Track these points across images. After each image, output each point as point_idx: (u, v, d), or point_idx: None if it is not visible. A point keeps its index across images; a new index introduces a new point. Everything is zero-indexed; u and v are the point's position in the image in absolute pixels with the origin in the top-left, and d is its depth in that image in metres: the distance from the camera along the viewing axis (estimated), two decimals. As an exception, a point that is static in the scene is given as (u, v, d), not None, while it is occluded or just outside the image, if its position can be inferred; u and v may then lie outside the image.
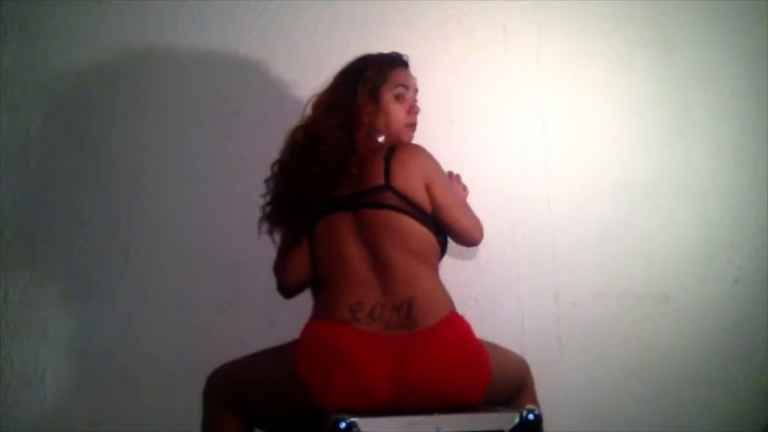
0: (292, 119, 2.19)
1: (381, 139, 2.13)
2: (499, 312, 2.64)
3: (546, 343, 2.66)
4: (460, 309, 2.03)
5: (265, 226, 2.16)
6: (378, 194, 2.01)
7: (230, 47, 2.60)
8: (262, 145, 2.31)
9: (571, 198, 2.74)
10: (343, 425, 1.74)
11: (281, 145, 2.16)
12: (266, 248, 2.17)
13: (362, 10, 2.69)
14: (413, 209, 2.02)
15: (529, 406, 1.89)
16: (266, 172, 2.16)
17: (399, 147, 2.09)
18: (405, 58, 2.23)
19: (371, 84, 2.13)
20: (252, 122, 2.57)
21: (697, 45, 2.89)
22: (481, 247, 2.45)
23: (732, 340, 2.78)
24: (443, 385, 1.89)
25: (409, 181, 2.03)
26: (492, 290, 2.65)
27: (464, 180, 2.29)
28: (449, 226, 2.10)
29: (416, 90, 2.23)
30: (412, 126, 2.21)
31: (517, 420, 1.83)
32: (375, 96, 2.13)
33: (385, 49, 2.23)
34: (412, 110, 2.20)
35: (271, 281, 2.17)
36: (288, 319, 2.15)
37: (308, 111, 2.17)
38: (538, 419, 1.85)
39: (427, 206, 2.05)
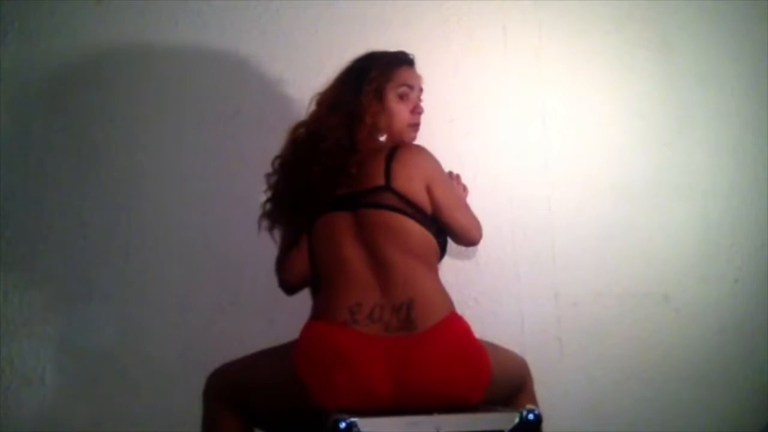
0: (292, 119, 2.18)
1: (383, 138, 2.11)
2: (499, 312, 2.64)
3: (546, 343, 2.66)
4: (460, 309, 2.02)
5: (266, 223, 2.14)
6: (378, 195, 2.00)
7: (230, 47, 2.60)
8: (262, 145, 2.29)
9: (571, 198, 2.75)
10: (343, 425, 1.74)
11: (281, 145, 2.15)
12: (266, 248, 2.16)
13: (362, 10, 2.69)
14: (413, 210, 2.01)
15: (529, 406, 1.88)
16: (266, 173, 2.16)
17: (400, 147, 2.07)
18: (411, 57, 2.19)
19: (376, 83, 2.10)
20: (252, 122, 2.57)
21: (697, 45, 2.90)
22: (481, 247, 2.44)
23: (732, 340, 2.78)
24: (443, 385, 1.88)
25: (410, 182, 2.02)
26: (492, 290, 2.66)
27: (464, 180, 2.28)
28: (448, 226, 2.09)
29: (421, 90, 2.19)
30: (415, 126, 2.18)
31: (516, 420, 1.83)
32: (379, 95, 2.10)
33: (385, 49, 2.20)
34: (416, 110, 2.16)
35: (271, 281, 2.16)
36: (288, 319, 2.14)
37: (312, 107, 2.15)
38: (538, 419, 1.85)
39: (428, 207, 2.04)
